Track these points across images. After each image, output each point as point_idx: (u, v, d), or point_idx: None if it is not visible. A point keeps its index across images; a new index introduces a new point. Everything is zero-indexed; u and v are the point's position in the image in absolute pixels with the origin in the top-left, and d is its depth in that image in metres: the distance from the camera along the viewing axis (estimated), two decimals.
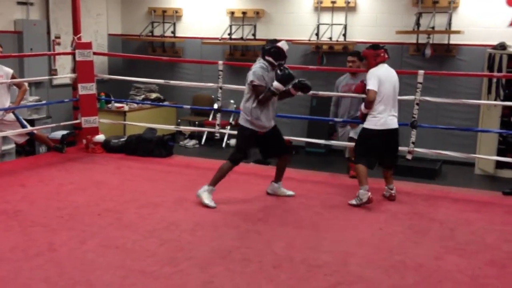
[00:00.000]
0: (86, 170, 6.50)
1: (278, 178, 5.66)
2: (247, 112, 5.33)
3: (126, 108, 8.95)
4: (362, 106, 5.41)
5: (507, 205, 5.66)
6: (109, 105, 9.08)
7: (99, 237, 4.38)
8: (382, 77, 5.26)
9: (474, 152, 7.60)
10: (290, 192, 5.66)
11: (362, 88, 5.53)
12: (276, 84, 5.10)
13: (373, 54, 5.38)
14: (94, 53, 7.45)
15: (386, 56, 5.39)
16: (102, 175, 6.31)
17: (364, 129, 5.42)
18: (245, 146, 5.47)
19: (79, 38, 7.40)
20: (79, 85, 7.23)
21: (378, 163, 5.52)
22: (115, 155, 7.21)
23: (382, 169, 5.59)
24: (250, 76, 5.25)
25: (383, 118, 5.28)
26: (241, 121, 5.43)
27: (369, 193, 5.22)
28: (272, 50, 5.27)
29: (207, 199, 5.25)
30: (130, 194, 5.55)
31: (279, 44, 5.26)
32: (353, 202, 5.30)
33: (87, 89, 7.27)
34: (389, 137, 5.35)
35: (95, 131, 7.37)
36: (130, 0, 10.46)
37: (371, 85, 5.25)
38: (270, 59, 5.26)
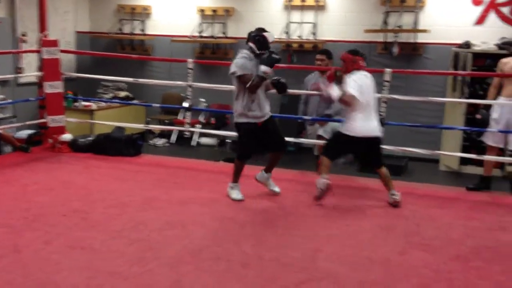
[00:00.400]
0: (52, 170, 6.41)
1: (269, 168, 5.68)
2: (239, 107, 5.32)
3: (94, 106, 8.85)
4: (334, 93, 5.22)
5: (471, 201, 5.78)
6: (77, 104, 8.96)
7: (65, 237, 4.33)
8: (363, 86, 5.21)
9: (440, 149, 7.74)
10: (277, 189, 5.68)
11: (333, 76, 5.41)
12: (264, 67, 5.06)
13: (351, 59, 5.28)
14: (61, 51, 7.35)
15: (363, 64, 5.33)
16: (69, 175, 6.23)
17: (341, 133, 5.37)
18: (247, 140, 5.43)
19: (46, 36, 7.30)
20: (46, 84, 7.13)
21: (365, 166, 5.71)
22: (82, 154, 7.12)
23: (376, 172, 5.50)
24: (231, 68, 5.25)
25: (363, 126, 5.23)
26: (236, 119, 5.42)
27: (328, 181, 5.23)
28: (256, 38, 5.27)
29: (233, 194, 5.43)
30: (98, 193, 5.50)
31: (265, 33, 5.26)
32: (317, 194, 5.33)
33: (54, 87, 7.18)
34: (369, 144, 5.31)
35: (62, 130, 7.28)
36: None
37: (352, 88, 5.15)
38: (253, 45, 5.26)
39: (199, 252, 4.12)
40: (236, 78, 5.25)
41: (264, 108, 5.35)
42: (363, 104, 5.18)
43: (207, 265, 3.92)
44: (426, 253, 4.28)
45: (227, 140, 9.41)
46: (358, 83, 5.18)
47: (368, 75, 5.36)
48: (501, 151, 6.46)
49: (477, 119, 6.29)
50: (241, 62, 5.21)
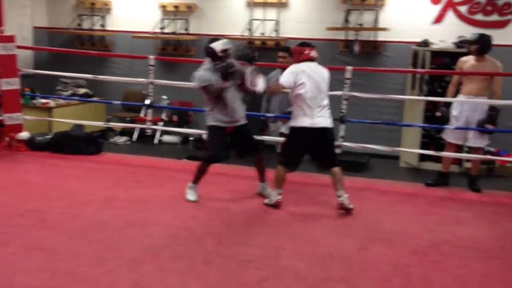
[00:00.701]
0: (9, 169, 6.26)
1: (260, 178, 5.59)
2: (209, 111, 5.33)
3: (52, 104, 8.67)
4: (259, 86, 5.12)
5: (430, 196, 5.90)
6: (34, 101, 8.75)
7: (22, 238, 4.23)
8: (300, 75, 5.08)
9: (399, 146, 7.86)
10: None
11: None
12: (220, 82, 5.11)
13: (297, 51, 5.24)
14: (18, 47, 7.19)
15: (312, 54, 5.20)
16: (26, 174, 6.10)
17: (290, 128, 5.34)
18: (215, 142, 5.35)
19: (2, 31, 7.12)
20: (2, 80, 6.95)
21: (318, 166, 5.43)
22: (40, 153, 6.97)
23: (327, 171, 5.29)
24: (195, 81, 5.24)
25: (308, 118, 5.10)
26: (207, 122, 5.37)
27: (280, 197, 5.18)
28: (208, 51, 5.23)
29: (189, 195, 5.36)
30: (56, 193, 5.39)
31: (213, 44, 5.18)
32: (267, 201, 5.27)
33: (10, 84, 7.00)
34: (318, 137, 5.15)
35: (19, 128, 7.10)
36: None
37: (283, 79, 5.12)
38: (209, 59, 5.24)
39: (160, 252, 4.09)
40: (200, 89, 5.26)
41: (234, 114, 5.29)
42: (305, 95, 5.07)
43: (168, 264, 3.89)
44: (385, 248, 4.35)
45: (190, 138, 9.36)
46: (292, 70, 5.12)
47: (315, 65, 5.22)
48: (458, 148, 6.62)
49: (437, 117, 6.41)
50: (199, 74, 5.21)
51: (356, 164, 7.81)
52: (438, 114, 6.37)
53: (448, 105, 6.36)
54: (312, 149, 5.25)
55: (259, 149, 5.56)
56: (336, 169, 5.18)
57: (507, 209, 5.50)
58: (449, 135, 6.32)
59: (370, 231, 4.72)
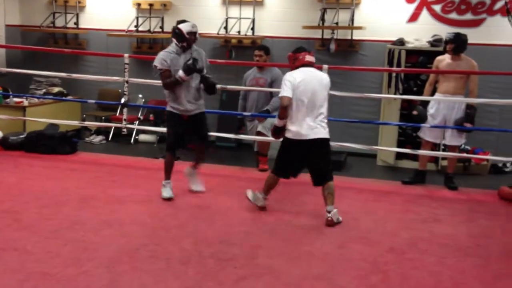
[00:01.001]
0: None
1: (195, 164, 5.65)
2: (166, 96, 5.35)
3: (26, 103, 8.51)
4: (276, 121, 4.98)
5: (407, 194, 5.95)
6: (7, 100, 8.58)
7: None
8: (297, 82, 4.76)
9: (377, 144, 7.91)
10: (200, 188, 5.60)
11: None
12: (180, 73, 5.08)
13: (292, 57, 4.97)
14: None
15: (307, 59, 4.90)
16: (0, 174, 5.98)
17: (283, 138, 4.96)
18: (172, 130, 5.39)
19: None
20: None
21: (318, 179, 4.94)
22: (13, 152, 6.86)
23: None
24: (154, 61, 5.28)
25: (302, 127, 4.77)
26: (167, 107, 5.42)
27: (265, 202, 5.10)
28: (175, 32, 5.25)
29: (163, 192, 5.34)
30: (30, 193, 5.30)
31: (180, 25, 5.21)
32: (249, 195, 5.16)
33: None
34: (311, 149, 4.81)
35: None
36: None
37: (285, 91, 4.79)
38: (175, 40, 5.25)
39: (136, 251, 4.05)
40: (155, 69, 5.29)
41: (189, 103, 5.29)
42: (301, 102, 4.77)
43: (145, 264, 3.85)
44: (363, 246, 4.36)
45: None
46: (288, 78, 4.82)
47: (314, 71, 4.93)
48: (434, 146, 6.67)
49: (413, 116, 6.47)
50: (161, 56, 5.24)
51: (334, 163, 7.78)
52: (414, 113, 6.42)
53: (424, 104, 6.42)
54: (300, 161, 4.95)
55: (206, 141, 5.61)
56: (330, 183, 4.88)
57: (483, 207, 5.57)
58: (426, 134, 6.38)
59: (349, 229, 4.73)
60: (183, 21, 5.27)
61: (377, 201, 5.63)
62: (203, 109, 5.44)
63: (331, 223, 4.76)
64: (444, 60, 6.28)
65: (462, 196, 5.95)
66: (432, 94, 6.45)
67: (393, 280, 3.80)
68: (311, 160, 4.88)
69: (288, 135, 4.87)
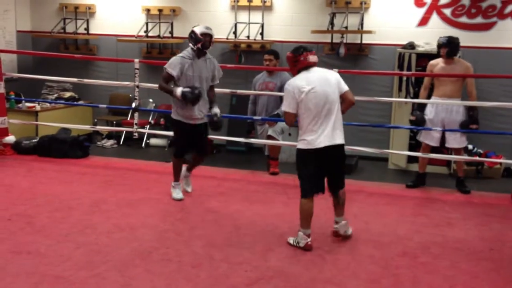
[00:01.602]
0: None
1: (190, 168, 5.70)
2: (172, 103, 5.39)
3: (38, 107, 8.57)
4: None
5: (418, 198, 5.92)
6: (20, 105, 8.65)
7: (10, 242, 4.18)
8: (304, 93, 4.24)
9: (388, 148, 7.88)
10: (189, 189, 5.68)
11: None
12: (178, 92, 5.14)
13: (291, 59, 4.40)
14: (2, 51, 7.13)
15: (310, 59, 4.35)
16: (12, 178, 6.03)
17: (297, 151, 4.43)
18: (177, 137, 5.49)
19: None
20: None
21: (332, 187, 4.54)
22: (26, 157, 6.91)
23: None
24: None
25: (317, 136, 4.27)
26: (172, 115, 5.45)
27: (309, 239, 4.31)
28: (190, 35, 5.32)
29: (174, 193, 5.44)
30: (43, 197, 5.33)
31: (195, 27, 5.30)
32: (290, 241, 4.42)
33: None
34: (329, 156, 4.34)
35: (5, 132, 7.03)
36: None
37: (286, 106, 4.35)
38: (190, 44, 5.31)
39: (148, 255, 4.06)
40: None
41: (194, 110, 5.27)
42: (316, 113, 4.27)
43: (157, 267, 3.86)
44: (374, 249, 4.35)
45: None
46: (290, 89, 4.30)
47: (321, 71, 4.42)
48: (433, 149, 6.61)
49: (411, 121, 6.47)
50: (174, 60, 5.28)
51: (345, 166, 7.81)
52: (412, 118, 6.43)
53: (421, 108, 6.39)
54: (322, 170, 4.42)
55: (204, 153, 5.59)
56: (342, 192, 4.52)
57: (495, 210, 5.53)
58: (426, 138, 6.37)
59: (360, 233, 4.71)
60: (197, 25, 5.36)
61: (389, 205, 5.60)
62: (204, 121, 5.44)
63: (336, 235, 4.49)
64: (438, 64, 6.28)
65: (475, 199, 5.91)
66: (427, 98, 6.45)
67: (405, 284, 3.78)
68: (328, 168, 4.40)
69: (302, 146, 4.33)
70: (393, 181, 6.90)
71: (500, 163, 7.52)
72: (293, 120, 4.41)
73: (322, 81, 4.33)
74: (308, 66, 4.36)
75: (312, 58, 4.36)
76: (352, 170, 7.71)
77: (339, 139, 4.35)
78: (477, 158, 7.31)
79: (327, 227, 4.78)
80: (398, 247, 4.42)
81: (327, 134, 4.27)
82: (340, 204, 4.54)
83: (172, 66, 5.22)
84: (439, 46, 6.26)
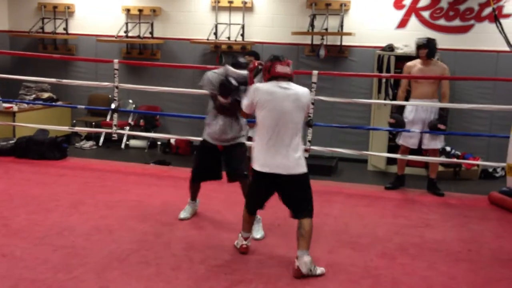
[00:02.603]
0: None
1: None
2: (206, 122, 4.78)
3: (15, 108, 8.46)
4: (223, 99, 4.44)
5: (397, 199, 5.96)
6: None
7: None
8: (262, 100, 3.91)
9: (367, 150, 7.93)
10: (258, 235, 4.62)
11: (253, 69, 4.41)
12: (219, 98, 4.53)
13: (265, 68, 4.02)
14: None
15: (279, 70, 3.93)
16: None
17: (251, 169, 4.10)
18: (196, 159, 4.95)
19: None
20: None
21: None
22: (3, 158, 6.81)
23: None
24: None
25: (269, 158, 3.90)
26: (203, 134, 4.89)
27: (245, 242, 4.21)
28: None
29: (182, 211, 4.99)
30: (20, 199, 5.26)
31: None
32: (235, 243, 4.34)
33: None
34: (283, 184, 3.96)
35: None
36: None
37: (244, 102, 4.11)
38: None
39: (127, 257, 4.02)
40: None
41: (222, 133, 4.68)
42: (267, 126, 3.91)
43: (136, 269, 3.82)
44: (354, 251, 4.37)
45: (158, 142, 9.25)
46: (253, 91, 4.00)
47: (287, 86, 3.94)
48: (425, 151, 6.66)
49: (390, 124, 6.50)
50: (208, 76, 4.64)
51: (325, 168, 7.84)
52: (391, 121, 6.45)
53: (400, 111, 6.42)
54: (267, 195, 4.12)
55: (239, 175, 4.79)
56: (306, 221, 3.95)
57: (473, 211, 5.59)
58: (405, 140, 6.39)
59: (339, 234, 4.73)
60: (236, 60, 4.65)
61: (368, 206, 5.63)
62: (235, 142, 4.79)
63: (297, 275, 3.81)
64: (415, 66, 6.32)
65: (452, 201, 5.97)
66: (406, 100, 6.49)
67: (384, 285, 3.81)
68: (284, 196, 4.03)
69: (254, 165, 3.98)
70: (372, 183, 6.94)
71: (478, 165, 7.62)
72: (248, 116, 4.23)
73: (286, 96, 3.89)
74: (277, 76, 3.93)
75: (281, 68, 3.93)
76: (331, 172, 7.75)
77: (294, 169, 3.91)
78: (454, 160, 7.39)
79: None
80: (377, 248, 4.44)
81: (279, 158, 3.88)
82: (303, 235, 3.90)
83: (208, 81, 4.62)
84: (418, 47, 6.30)
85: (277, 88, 3.91)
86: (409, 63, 6.44)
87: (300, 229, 3.92)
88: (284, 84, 3.93)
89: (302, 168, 3.96)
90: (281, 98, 3.89)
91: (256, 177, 4.01)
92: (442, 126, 6.15)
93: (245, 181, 4.72)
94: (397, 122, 6.33)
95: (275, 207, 4.27)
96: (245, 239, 4.23)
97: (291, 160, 3.90)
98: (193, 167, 4.96)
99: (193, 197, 5.08)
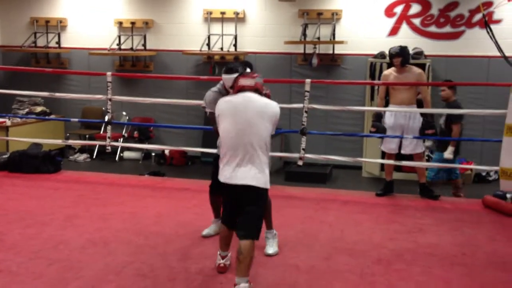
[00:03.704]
0: None
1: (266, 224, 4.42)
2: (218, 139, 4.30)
3: (8, 123, 8.46)
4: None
5: (391, 205, 5.97)
6: None
7: None
8: (226, 109, 3.80)
9: (361, 156, 7.96)
10: (270, 250, 4.45)
11: None
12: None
13: (236, 80, 3.96)
14: None
15: (240, 83, 3.83)
16: None
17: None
18: (212, 173, 4.55)
19: None
20: None
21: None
22: None
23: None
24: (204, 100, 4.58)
25: (228, 168, 3.75)
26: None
27: (221, 261, 4.01)
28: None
29: (207, 229, 4.80)
30: (14, 214, 5.24)
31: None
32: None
33: None
34: (237, 196, 3.77)
35: None
36: (9, 9, 9.92)
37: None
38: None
39: (122, 269, 4.01)
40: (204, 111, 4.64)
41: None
42: (228, 135, 3.76)
43: (132, 282, 3.82)
44: (350, 257, 4.37)
45: (152, 154, 9.25)
46: (219, 107, 3.87)
47: (251, 96, 3.78)
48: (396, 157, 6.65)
49: (371, 132, 6.51)
50: (209, 96, 4.48)
51: (319, 175, 7.87)
52: (372, 130, 6.44)
53: (379, 118, 6.41)
54: (232, 207, 3.91)
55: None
56: (246, 244, 3.65)
57: (467, 215, 5.60)
58: (386, 146, 6.42)
59: (335, 241, 4.73)
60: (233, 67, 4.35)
61: (363, 213, 5.64)
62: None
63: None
64: (391, 74, 6.34)
65: (446, 205, 5.98)
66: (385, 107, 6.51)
67: None
68: (239, 207, 3.80)
69: (219, 174, 3.87)
70: (367, 189, 6.96)
71: (471, 169, 7.64)
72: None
73: (249, 107, 3.74)
74: (241, 89, 3.82)
75: (243, 81, 3.83)
76: (326, 179, 7.77)
77: (248, 179, 3.69)
78: (448, 164, 7.41)
79: (301, 238, 4.79)
80: (373, 255, 4.44)
81: (236, 168, 3.72)
82: (239, 260, 3.61)
83: (213, 103, 4.21)
84: (391, 56, 6.34)
85: (237, 99, 3.79)
86: (386, 72, 6.48)
87: (240, 251, 3.62)
88: (247, 95, 3.78)
89: (258, 182, 3.71)
90: (241, 109, 3.74)
91: (223, 188, 3.87)
92: (430, 131, 6.18)
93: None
94: (378, 130, 6.34)
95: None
96: (223, 257, 4.03)
97: (249, 171, 3.69)
98: (211, 181, 4.76)
99: (216, 214, 4.76)
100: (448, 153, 6.32)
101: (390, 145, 6.37)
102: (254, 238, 3.69)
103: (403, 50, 6.29)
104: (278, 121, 3.87)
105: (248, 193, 3.70)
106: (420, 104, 6.28)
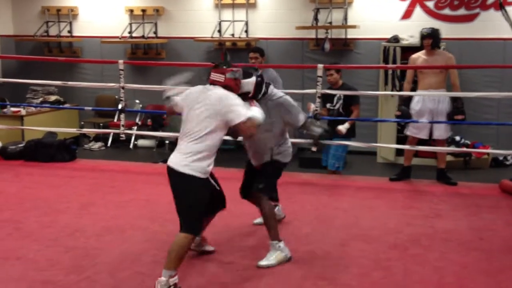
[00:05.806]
0: None
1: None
2: None
3: (23, 112, 8.51)
4: None
5: (407, 190, 5.93)
6: (5, 110, 8.59)
7: None
8: (189, 97, 3.79)
9: (376, 142, 7.91)
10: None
11: None
12: None
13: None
14: None
15: (211, 78, 3.76)
16: (0, 183, 5.97)
17: None
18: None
19: None
20: None
21: None
22: (13, 162, 6.85)
23: None
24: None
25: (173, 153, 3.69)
26: None
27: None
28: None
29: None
30: (31, 202, 5.28)
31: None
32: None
33: None
34: (171, 180, 3.70)
35: None
36: None
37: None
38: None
39: (139, 256, 4.04)
40: None
41: (251, 155, 4.48)
42: (184, 117, 3.76)
43: (148, 269, 3.84)
44: (365, 243, 4.35)
45: (166, 141, 9.27)
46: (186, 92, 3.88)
47: (212, 89, 3.70)
48: (433, 141, 6.61)
49: (397, 116, 6.46)
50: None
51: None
52: (397, 113, 6.40)
53: (407, 102, 6.34)
54: None
55: (256, 190, 4.31)
56: (178, 236, 3.55)
57: (485, 200, 5.55)
58: (414, 131, 6.31)
59: (350, 227, 4.72)
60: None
61: (378, 198, 5.61)
62: (267, 160, 4.36)
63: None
64: (420, 57, 6.23)
65: (463, 190, 5.93)
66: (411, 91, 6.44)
67: (396, 276, 3.79)
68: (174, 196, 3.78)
69: None
70: (382, 175, 6.91)
71: (488, 154, 7.57)
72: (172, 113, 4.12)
73: (203, 96, 3.66)
74: (211, 83, 3.75)
75: (212, 76, 3.74)
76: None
77: (175, 163, 3.61)
78: (464, 149, 7.36)
79: (315, 224, 4.78)
80: (388, 240, 4.43)
81: (176, 149, 3.69)
82: (168, 252, 3.48)
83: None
84: (423, 37, 6.23)
85: (197, 89, 3.76)
86: (414, 56, 6.37)
87: (173, 244, 3.49)
88: (209, 87, 3.71)
89: (194, 171, 3.57)
90: (195, 99, 3.69)
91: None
92: (460, 117, 6.08)
93: (258, 195, 4.28)
94: (403, 114, 6.28)
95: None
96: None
97: (186, 158, 3.57)
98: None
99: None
100: (342, 126, 6.15)
101: (421, 131, 6.26)
102: (191, 234, 3.54)
103: (435, 32, 6.18)
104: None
105: (176, 179, 3.68)
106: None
